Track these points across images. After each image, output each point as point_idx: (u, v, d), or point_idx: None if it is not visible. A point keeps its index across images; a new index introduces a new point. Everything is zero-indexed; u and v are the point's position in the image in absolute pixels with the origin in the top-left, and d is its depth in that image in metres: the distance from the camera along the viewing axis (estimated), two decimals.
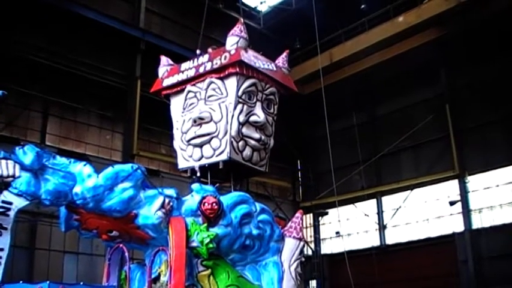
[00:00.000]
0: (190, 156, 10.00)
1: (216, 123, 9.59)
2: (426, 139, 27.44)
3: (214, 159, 9.63)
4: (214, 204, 8.31)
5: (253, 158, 9.94)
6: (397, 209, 28.19)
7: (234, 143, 9.56)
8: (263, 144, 10.04)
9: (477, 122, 25.61)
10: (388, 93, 29.42)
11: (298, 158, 33.17)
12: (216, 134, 9.58)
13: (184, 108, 10.21)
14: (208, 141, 9.67)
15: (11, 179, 6.99)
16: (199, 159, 9.86)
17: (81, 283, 7.47)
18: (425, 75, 27.68)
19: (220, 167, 9.58)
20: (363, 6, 27.59)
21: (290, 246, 9.31)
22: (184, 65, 10.47)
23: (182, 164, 10.27)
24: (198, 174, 9.85)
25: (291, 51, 29.01)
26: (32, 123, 21.18)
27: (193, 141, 9.89)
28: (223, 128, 9.52)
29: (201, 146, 9.79)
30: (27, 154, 7.17)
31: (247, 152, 9.80)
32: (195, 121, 9.80)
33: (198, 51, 10.61)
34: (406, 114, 28.32)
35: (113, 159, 22.34)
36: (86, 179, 7.51)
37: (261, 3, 30.71)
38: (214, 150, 9.61)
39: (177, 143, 10.37)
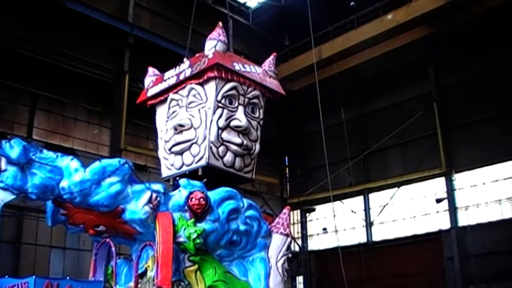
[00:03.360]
0: (172, 165, 9.91)
1: (195, 129, 9.48)
2: (414, 137, 27.55)
3: (194, 166, 9.50)
4: (201, 199, 8.31)
5: (235, 164, 9.71)
6: (384, 206, 28.32)
7: (214, 149, 9.38)
8: (246, 149, 9.82)
9: (465, 120, 25.75)
10: (376, 91, 29.53)
11: (286, 154, 33.21)
12: (195, 140, 9.47)
13: (168, 117, 10.13)
14: (188, 148, 9.56)
15: None
16: (180, 167, 9.76)
17: (68, 278, 7.44)
18: (414, 72, 27.81)
19: (199, 173, 9.38)
20: (352, 3, 27.61)
21: (277, 242, 9.32)
22: (167, 74, 10.40)
23: (165, 173, 10.19)
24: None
25: (280, 47, 29.44)
26: (19, 117, 21.05)
27: (173, 149, 9.80)
28: (202, 133, 9.39)
29: (181, 153, 9.68)
30: (14, 148, 7.11)
31: (229, 157, 9.58)
32: (175, 128, 9.72)
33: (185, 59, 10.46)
34: (394, 112, 28.43)
35: (100, 153, 22.26)
36: (73, 173, 7.47)
37: None
38: (194, 156, 9.48)
39: (161, 153, 10.30)
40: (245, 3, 30.62)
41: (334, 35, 27.53)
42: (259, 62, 10.81)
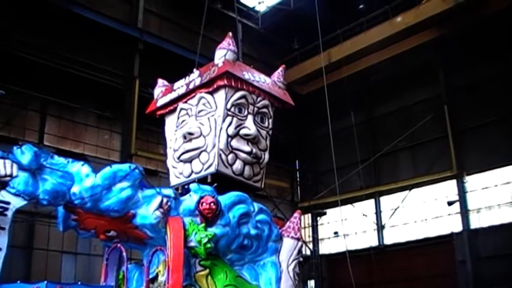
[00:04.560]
0: (181, 173, 9.87)
1: (205, 137, 9.44)
2: (424, 139, 27.48)
3: (203, 174, 9.47)
4: (212, 204, 8.29)
5: (244, 172, 9.67)
6: (396, 209, 28.21)
7: (223, 156, 9.34)
8: (255, 157, 9.77)
9: (475, 123, 25.65)
10: (386, 93, 29.47)
11: (297, 158, 33.19)
12: (204, 147, 9.42)
13: (177, 126, 10.12)
14: (198, 156, 9.50)
15: (8, 178, 6.94)
16: (189, 175, 9.70)
17: (79, 283, 7.45)
18: (424, 75, 27.74)
19: (209, 180, 9.32)
20: (361, 6, 27.64)
21: (288, 246, 9.29)
22: (177, 84, 10.41)
23: (174, 181, 10.15)
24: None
25: (289, 51, 29.48)
26: (30, 123, 21.17)
27: (182, 157, 9.75)
28: (211, 141, 9.35)
29: (190, 161, 9.63)
30: (25, 154, 7.12)
31: (238, 165, 9.54)
32: (185, 137, 9.68)
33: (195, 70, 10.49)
34: (404, 115, 28.36)
35: (111, 159, 22.34)
36: (83, 178, 7.47)
37: (259, 3, 30.68)
38: (203, 164, 9.43)
39: (169, 162, 10.28)
40: (254, 7, 30.69)
41: (343, 38, 27.55)
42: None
